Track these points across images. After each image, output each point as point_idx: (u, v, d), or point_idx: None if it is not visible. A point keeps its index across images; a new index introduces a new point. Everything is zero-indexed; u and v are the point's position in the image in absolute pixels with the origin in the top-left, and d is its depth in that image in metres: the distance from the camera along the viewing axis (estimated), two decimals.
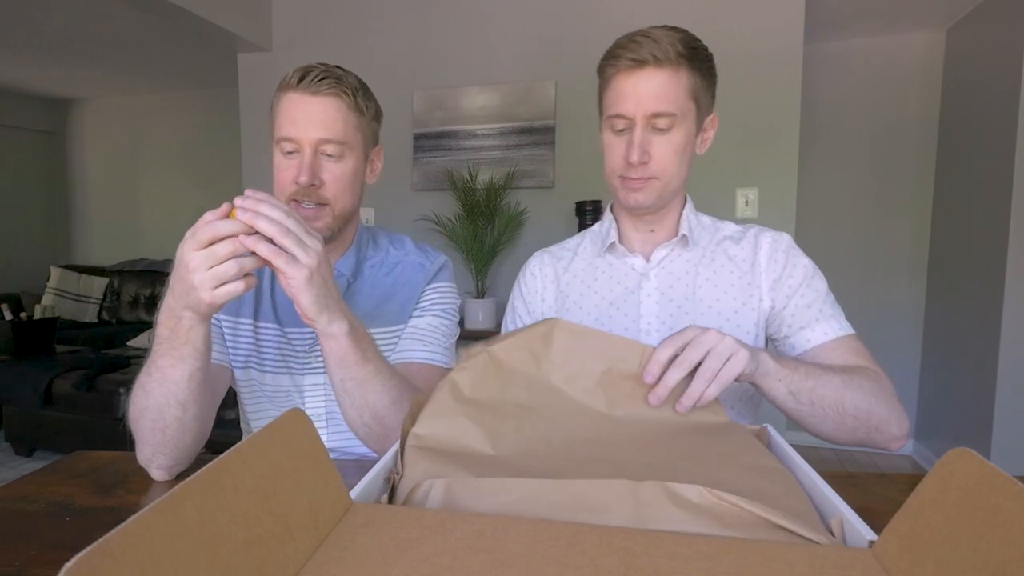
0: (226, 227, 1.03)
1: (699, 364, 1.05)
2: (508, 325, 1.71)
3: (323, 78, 1.41)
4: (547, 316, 1.63)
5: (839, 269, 4.80)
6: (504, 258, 4.23)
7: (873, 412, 1.23)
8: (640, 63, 1.35)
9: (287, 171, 1.43)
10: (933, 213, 4.74)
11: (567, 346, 1.07)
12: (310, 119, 1.41)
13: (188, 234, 1.04)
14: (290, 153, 1.43)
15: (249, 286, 1.07)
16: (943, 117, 4.64)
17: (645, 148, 1.39)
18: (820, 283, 1.47)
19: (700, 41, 1.41)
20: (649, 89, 1.36)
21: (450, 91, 4.29)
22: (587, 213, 3.76)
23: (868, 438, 1.25)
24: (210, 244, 1.03)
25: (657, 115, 1.36)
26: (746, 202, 3.80)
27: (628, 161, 1.41)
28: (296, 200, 1.43)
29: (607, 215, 1.64)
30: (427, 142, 4.34)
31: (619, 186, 1.47)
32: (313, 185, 1.42)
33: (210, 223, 1.03)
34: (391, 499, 0.80)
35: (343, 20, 4.49)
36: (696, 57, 1.37)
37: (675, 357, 1.06)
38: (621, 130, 1.42)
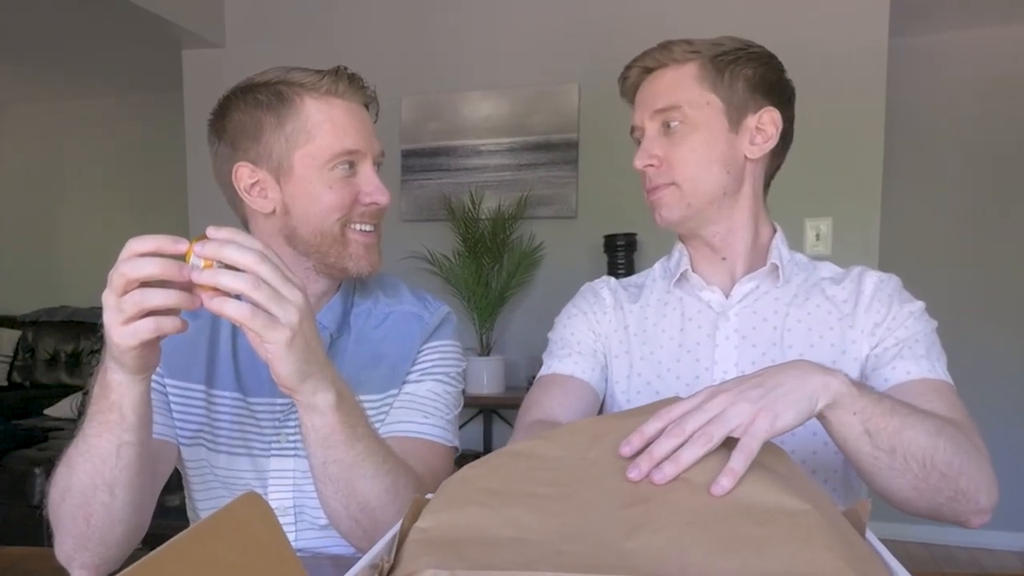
0: (143, 269, 1.00)
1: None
2: (559, 345, 1.68)
3: (361, 82, 1.49)
4: (614, 344, 1.64)
5: (932, 315, 4.65)
6: (515, 306, 4.22)
7: (964, 472, 1.18)
8: (646, 70, 1.51)
9: (347, 190, 1.46)
10: None
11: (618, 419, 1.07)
12: (368, 129, 1.48)
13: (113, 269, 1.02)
14: (348, 171, 1.46)
15: (163, 329, 1.04)
16: None
17: (651, 151, 1.48)
18: (922, 324, 1.47)
19: (737, 39, 1.51)
20: (651, 89, 1.49)
21: (447, 97, 4.32)
22: (619, 249, 3.76)
23: (948, 506, 1.21)
24: (125, 291, 1.01)
25: (660, 111, 1.47)
26: (817, 235, 3.79)
27: (637, 169, 1.50)
28: (347, 226, 1.47)
29: (677, 244, 1.66)
30: (418, 161, 4.37)
31: (649, 205, 1.54)
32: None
33: (127, 261, 1.00)
34: None
35: (312, 10, 4.54)
36: (714, 52, 1.47)
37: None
38: (639, 143, 1.53)
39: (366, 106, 1.52)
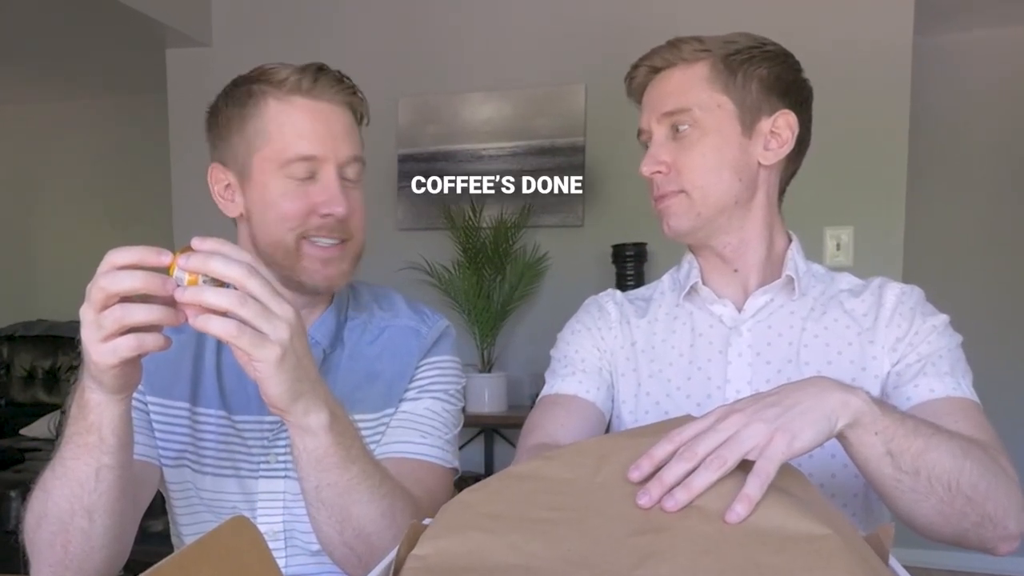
0: (124, 282, 0.99)
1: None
2: (562, 364, 1.67)
3: (339, 80, 1.44)
4: (620, 361, 1.63)
5: (960, 330, 4.64)
6: (518, 319, 4.22)
7: (991, 496, 1.16)
8: (653, 70, 1.50)
9: (301, 200, 1.42)
10: None
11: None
12: (334, 132, 1.43)
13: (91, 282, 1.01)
14: (306, 178, 1.43)
15: (145, 347, 1.03)
16: None
17: (659, 156, 1.47)
18: (946, 339, 1.46)
19: (751, 36, 1.50)
20: (659, 91, 1.49)
21: (446, 99, 4.33)
22: (628, 260, 3.76)
23: (975, 532, 1.19)
24: (105, 306, 1.01)
25: (668, 114, 1.46)
26: (837, 245, 3.80)
27: (644, 175, 1.50)
28: (305, 238, 1.43)
29: (687, 254, 1.66)
30: (416, 166, 4.37)
31: (656, 214, 1.54)
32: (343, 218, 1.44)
33: (107, 275, 1.00)
34: None
35: (304, 7, 4.54)
36: (726, 51, 1.46)
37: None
38: (647, 147, 1.53)
39: (351, 106, 1.47)
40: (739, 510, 0.84)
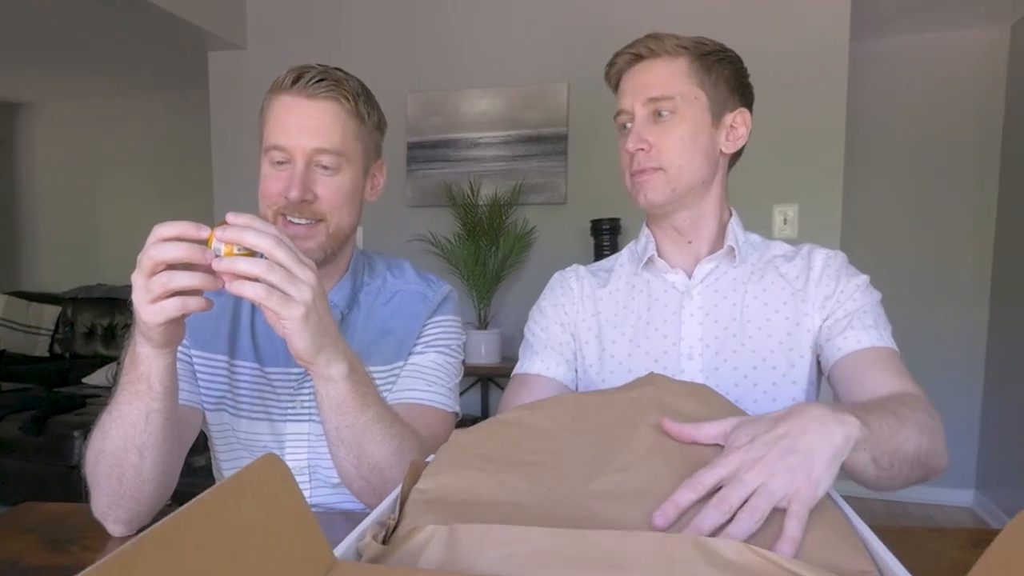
0: (168, 252, 1.01)
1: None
2: (531, 344, 1.68)
3: (320, 80, 1.41)
4: (583, 331, 1.64)
5: (889, 295, 4.62)
6: (510, 283, 4.22)
7: (933, 454, 1.18)
8: (636, 57, 1.49)
9: (275, 182, 1.43)
10: (997, 231, 4.74)
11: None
12: (304, 126, 1.40)
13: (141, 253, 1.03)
14: (280, 163, 1.43)
15: (188, 308, 1.05)
16: (1008, 122, 4.65)
17: (643, 135, 1.47)
18: (867, 296, 1.48)
19: (716, 42, 1.52)
20: (644, 78, 1.48)
21: (448, 94, 4.32)
22: (604, 232, 3.77)
23: (923, 478, 1.22)
24: (152, 273, 1.02)
25: (653, 99, 1.47)
26: (784, 220, 3.80)
27: (628, 151, 1.49)
28: (283, 215, 1.43)
29: (644, 229, 1.67)
30: (422, 152, 4.36)
31: (629, 186, 1.55)
32: (305, 200, 1.41)
33: (154, 246, 1.02)
34: (385, 544, 0.80)
35: (326, 14, 4.52)
36: (700, 50, 1.48)
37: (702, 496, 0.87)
38: (626, 126, 1.52)
39: (337, 102, 1.43)
40: (786, 551, 0.77)
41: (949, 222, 4.84)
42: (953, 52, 4.74)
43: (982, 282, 4.81)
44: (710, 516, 0.81)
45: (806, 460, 0.87)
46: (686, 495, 0.85)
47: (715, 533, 0.80)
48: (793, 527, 0.79)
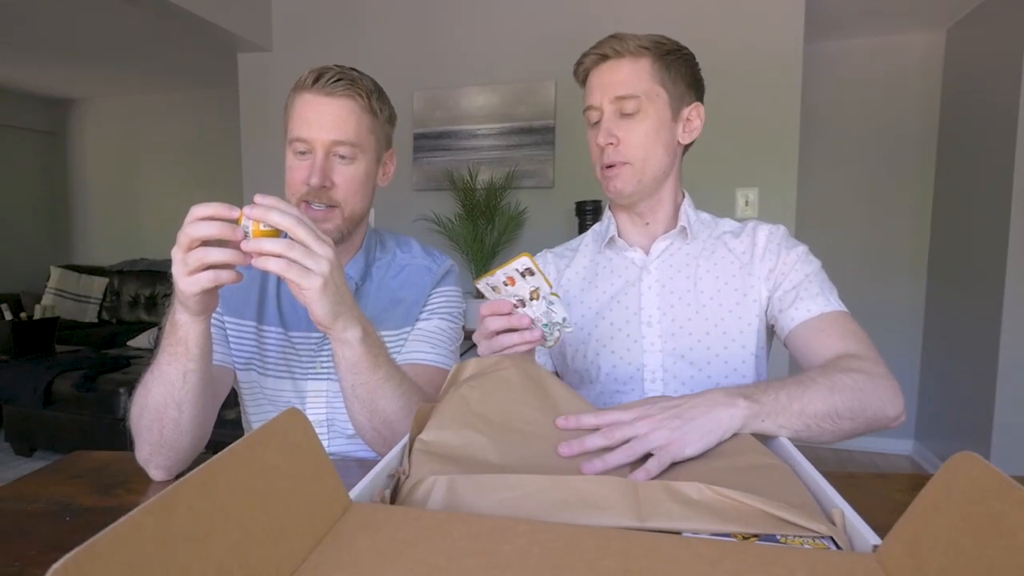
0: (203, 230, 1.02)
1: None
2: None
3: (338, 79, 1.41)
4: None
5: (839, 269, 4.78)
6: (504, 258, 4.19)
7: (867, 406, 1.16)
8: (603, 57, 1.47)
9: (298, 172, 1.43)
10: (933, 213, 4.75)
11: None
12: (323, 120, 1.41)
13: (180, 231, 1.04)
14: (302, 154, 1.43)
15: (220, 280, 1.06)
16: (943, 117, 4.65)
17: (612, 131, 1.46)
18: (808, 265, 1.47)
19: (672, 40, 1.49)
20: (612, 77, 1.46)
21: (450, 91, 4.29)
22: (587, 213, 3.76)
23: (868, 429, 1.20)
24: (189, 248, 1.03)
25: (620, 98, 1.44)
26: (746, 202, 3.80)
27: (599, 145, 1.48)
28: (306, 201, 1.43)
29: (606, 213, 1.66)
30: (427, 142, 4.34)
31: (600, 177, 1.53)
32: (324, 187, 1.42)
33: (191, 224, 1.02)
34: (394, 496, 0.81)
35: (343, 20, 4.49)
36: (660, 50, 1.46)
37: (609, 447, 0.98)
38: (595, 123, 1.50)
39: (352, 99, 1.43)
40: (639, 477, 0.89)
41: (892, 204, 4.85)
42: (896, 54, 4.74)
43: (920, 256, 4.82)
44: (597, 440, 0.96)
45: (684, 426, 0.97)
46: (590, 420, 1.01)
47: (596, 455, 0.94)
48: (652, 464, 0.90)
